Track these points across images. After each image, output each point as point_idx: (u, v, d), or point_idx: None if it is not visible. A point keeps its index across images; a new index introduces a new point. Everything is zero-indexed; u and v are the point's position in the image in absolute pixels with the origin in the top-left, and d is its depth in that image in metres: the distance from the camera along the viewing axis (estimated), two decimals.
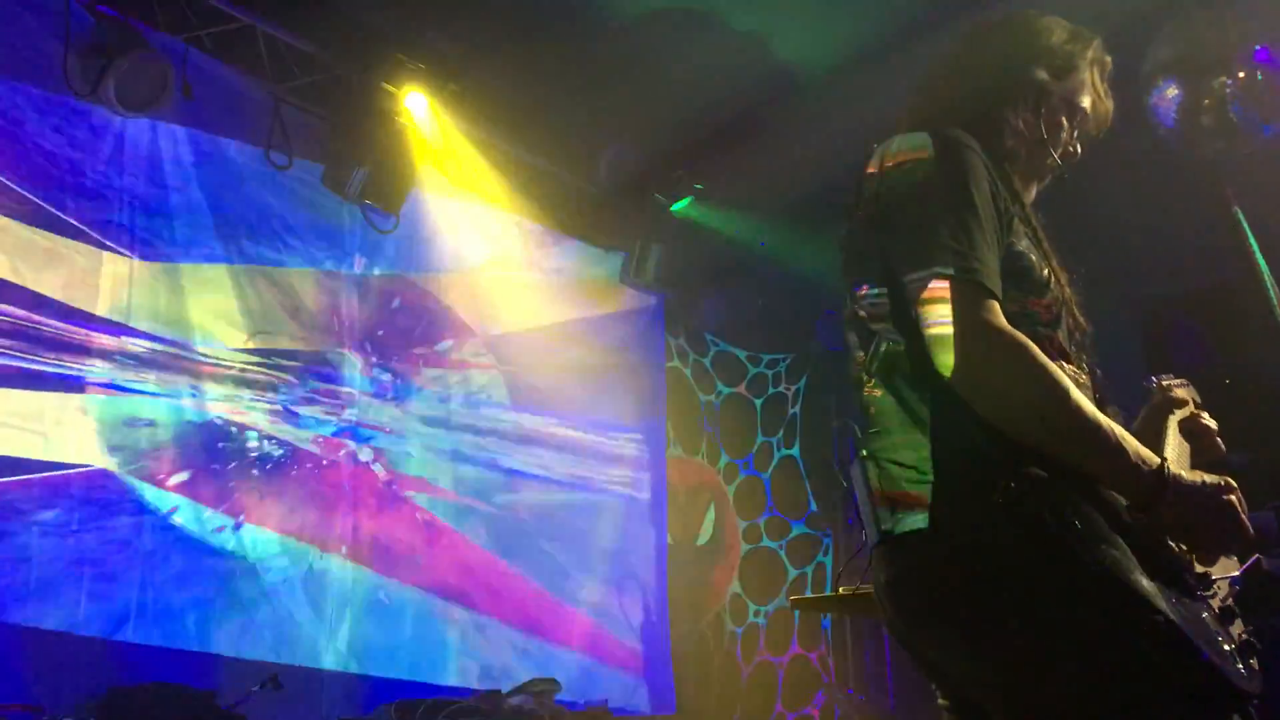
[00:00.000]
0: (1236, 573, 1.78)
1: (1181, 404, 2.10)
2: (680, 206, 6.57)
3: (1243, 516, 1.66)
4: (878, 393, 1.80)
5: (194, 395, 5.06)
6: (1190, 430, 2.05)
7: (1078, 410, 1.62)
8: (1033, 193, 2.05)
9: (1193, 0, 4.02)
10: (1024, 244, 1.82)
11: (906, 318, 1.72)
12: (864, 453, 1.80)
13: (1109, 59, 2.10)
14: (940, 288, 1.65)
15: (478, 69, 5.66)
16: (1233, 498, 1.66)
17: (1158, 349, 6.31)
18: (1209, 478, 1.67)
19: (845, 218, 1.90)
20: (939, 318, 1.64)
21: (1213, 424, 2.07)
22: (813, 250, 6.32)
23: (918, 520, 1.68)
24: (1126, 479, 1.62)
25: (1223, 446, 2.09)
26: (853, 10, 5.08)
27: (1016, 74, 2.01)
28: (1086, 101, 2.05)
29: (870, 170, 1.86)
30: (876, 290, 1.81)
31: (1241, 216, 2.37)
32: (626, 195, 6.39)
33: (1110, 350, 1.98)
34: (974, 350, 1.62)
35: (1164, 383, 2.14)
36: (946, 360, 1.63)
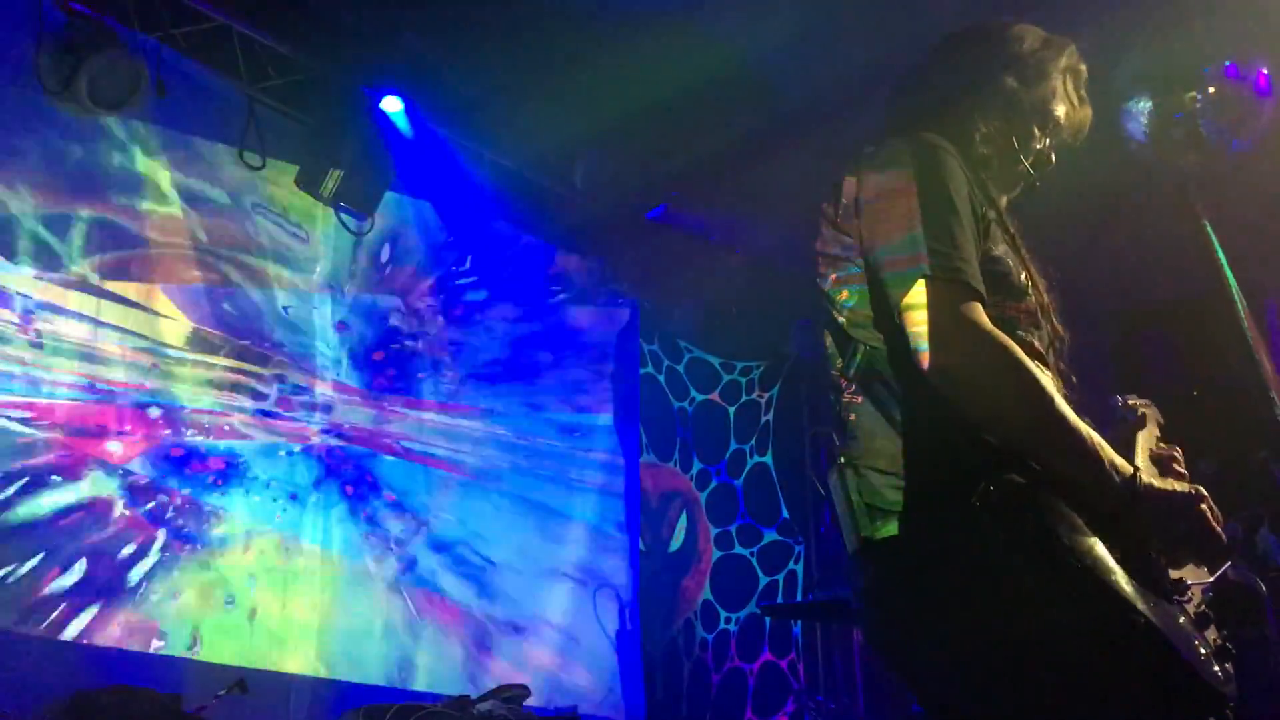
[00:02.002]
0: (1209, 580, 1.79)
1: (1144, 425, 2.10)
2: (655, 213, 6.58)
3: (1214, 525, 1.68)
4: (858, 399, 1.79)
5: (166, 395, 5.01)
6: (1157, 459, 2.06)
7: (1060, 414, 1.63)
8: (1005, 200, 2.05)
9: (1164, 15, 4.08)
10: (1001, 249, 1.82)
11: (890, 321, 1.72)
12: (842, 460, 1.80)
13: (1084, 67, 2.10)
14: (924, 290, 1.66)
15: (454, 71, 5.65)
16: (1204, 506, 1.68)
17: (1127, 361, 6.37)
18: (1180, 486, 1.69)
19: (821, 223, 1.90)
20: (923, 320, 1.64)
21: (1179, 455, 2.07)
22: (787, 258, 6.34)
23: (896, 526, 1.68)
24: (1102, 484, 1.63)
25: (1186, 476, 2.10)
26: (832, 22, 5.11)
27: (985, 81, 2.01)
28: (1060, 110, 2.05)
29: (848, 178, 1.86)
30: (856, 296, 1.81)
31: (1210, 229, 2.40)
32: (602, 201, 6.39)
33: (1079, 362, 2.00)
34: (960, 350, 1.63)
35: (1130, 402, 2.14)
36: (930, 362, 1.63)
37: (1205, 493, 1.70)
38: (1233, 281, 2.31)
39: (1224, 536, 1.69)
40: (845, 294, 1.83)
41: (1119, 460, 1.66)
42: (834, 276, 1.86)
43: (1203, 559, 1.76)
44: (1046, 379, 1.66)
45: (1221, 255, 2.34)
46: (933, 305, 1.64)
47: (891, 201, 1.76)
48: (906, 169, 1.77)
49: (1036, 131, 2.03)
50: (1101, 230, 5.64)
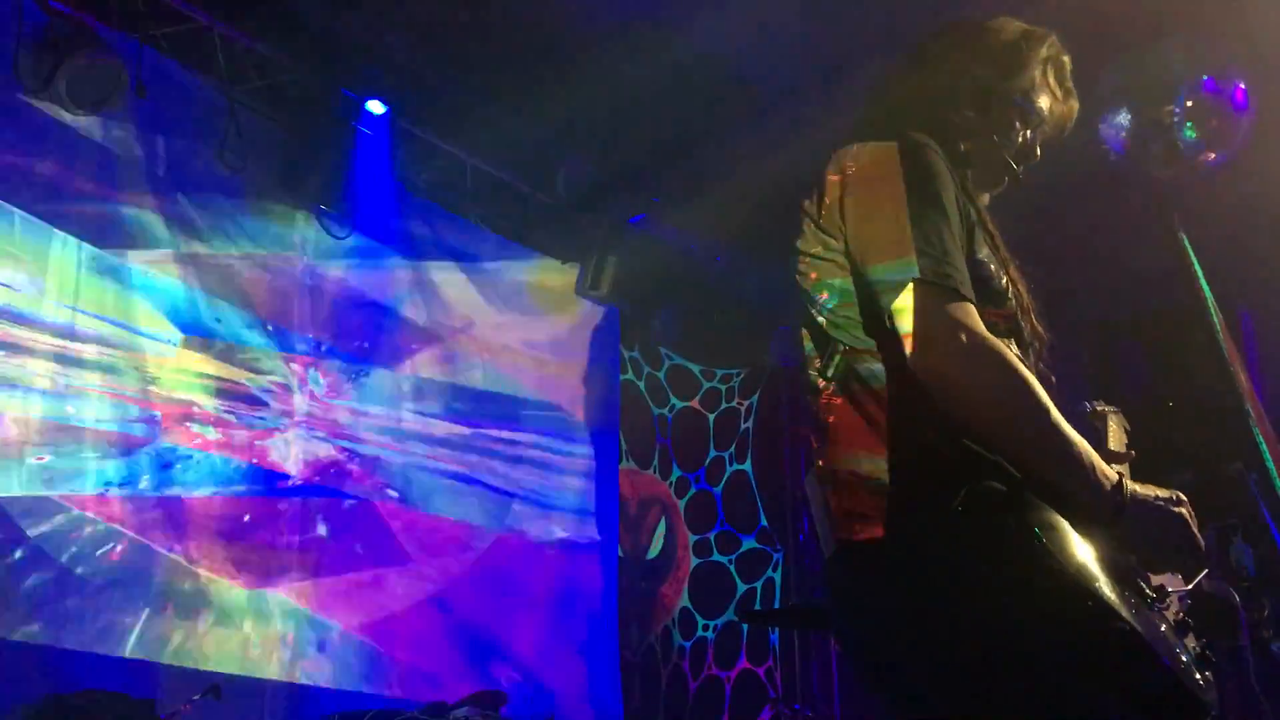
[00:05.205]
0: (1187, 588, 1.79)
1: (1111, 430, 2.10)
2: (636, 220, 6.58)
3: (1194, 529, 1.68)
4: (836, 400, 1.76)
5: (140, 396, 4.98)
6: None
7: (1052, 420, 1.62)
8: (987, 198, 2.02)
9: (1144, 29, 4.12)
10: (984, 252, 1.80)
11: (880, 325, 1.70)
12: (820, 463, 1.77)
13: (1066, 58, 2.04)
14: (915, 293, 1.64)
15: (437, 77, 5.64)
16: (1184, 510, 1.68)
17: (1103, 372, 6.40)
18: (1161, 491, 1.69)
19: (803, 221, 1.86)
20: (916, 324, 1.62)
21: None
22: (768, 266, 6.35)
23: (874, 530, 1.66)
24: (1090, 491, 1.62)
25: None
26: (812, 27, 5.12)
27: (963, 75, 1.97)
28: (1042, 101, 2.01)
29: (831, 177, 1.82)
30: (839, 296, 1.79)
31: (1187, 241, 2.42)
32: (583, 207, 6.39)
33: (1056, 373, 1.99)
34: (955, 353, 1.61)
35: (1099, 408, 2.14)
36: (920, 365, 1.62)
37: (1184, 497, 1.70)
38: (1209, 293, 2.33)
39: (1201, 541, 1.69)
40: (826, 294, 1.80)
41: (1105, 467, 1.66)
42: (814, 276, 1.82)
43: (1182, 566, 1.75)
44: (1039, 385, 1.65)
45: (1198, 267, 2.36)
46: (925, 309, 1.62)
47: (878, 203, 1.74)
48: (892, 169, 1.75)
49: (1018, 124, 1.99)
50: (1078, 242, 5.67)
